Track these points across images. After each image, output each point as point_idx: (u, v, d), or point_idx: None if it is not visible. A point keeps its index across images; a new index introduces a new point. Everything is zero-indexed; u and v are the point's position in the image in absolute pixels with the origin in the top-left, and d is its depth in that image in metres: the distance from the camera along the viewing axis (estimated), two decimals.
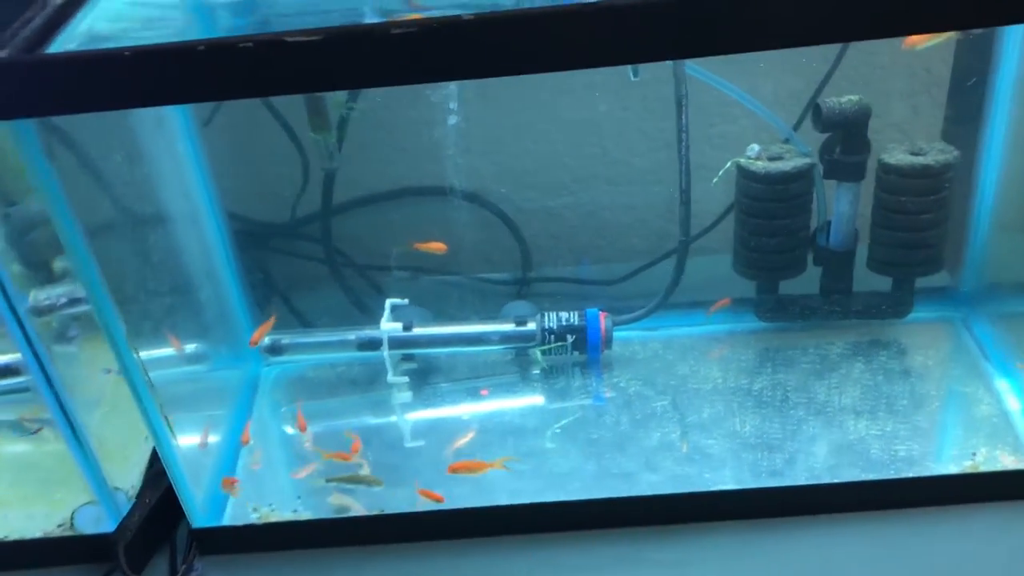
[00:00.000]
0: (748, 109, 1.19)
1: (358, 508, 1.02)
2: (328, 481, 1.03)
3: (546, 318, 1.15)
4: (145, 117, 0.96)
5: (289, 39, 0.70)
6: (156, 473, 1.01)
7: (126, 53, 0.71)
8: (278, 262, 1.28)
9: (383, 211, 1.30)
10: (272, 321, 1.16)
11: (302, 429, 1.10)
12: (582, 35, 0.69)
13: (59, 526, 1.03)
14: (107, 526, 0.99)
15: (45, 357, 0.89)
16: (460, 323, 1.17)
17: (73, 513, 1.02)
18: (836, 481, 0.97)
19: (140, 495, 1.01)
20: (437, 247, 1.13)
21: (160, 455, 0.95)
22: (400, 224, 1.30)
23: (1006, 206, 1.06)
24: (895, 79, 1.20)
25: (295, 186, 1.24)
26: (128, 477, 1.04)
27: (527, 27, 0.69)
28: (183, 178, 1.05)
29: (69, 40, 0.78)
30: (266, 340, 1.17)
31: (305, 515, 1.01)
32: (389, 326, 1.14)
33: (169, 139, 1.03)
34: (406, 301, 1.17)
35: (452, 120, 1.11)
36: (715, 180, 1.06)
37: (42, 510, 1.05)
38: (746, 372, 1.12)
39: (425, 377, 1.19)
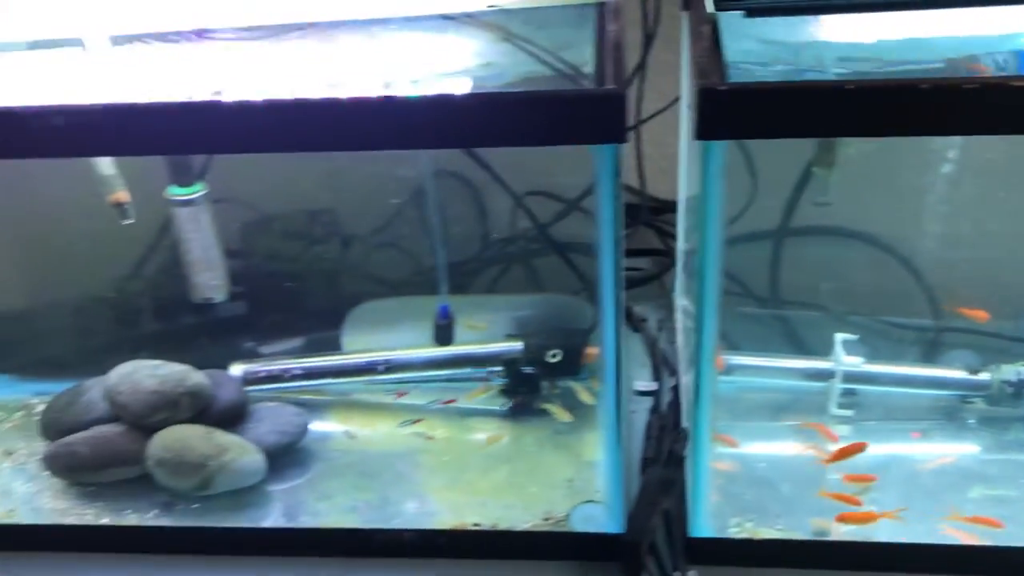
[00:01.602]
0: None
1: (840, 532, 1.04)
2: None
3: (1003, 370, 1.17)
4: None
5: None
6: (663, 479, 1.04)
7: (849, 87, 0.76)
8: None
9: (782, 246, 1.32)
10: None
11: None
12: None
13: (545, 519, 1.07)
14: (610, 527, 1.03)
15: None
16: (909, 365, 1.20)
17: (571, 510, 1.06)
18: None
19: (650, 500, 1.04)
20: (979, 315, 1.16)
21: (695, 464, 0.99)
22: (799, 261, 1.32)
23: None
24: None
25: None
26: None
27: None
28: None
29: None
30: None
31: (795, 535, 1.04)
32: (849, 360, 1.17)
33: None
34: (856, 337, 1.19)
35: (945, 169, 1.14)
36: None
37: (516, 502, 1.10)
38: None
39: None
